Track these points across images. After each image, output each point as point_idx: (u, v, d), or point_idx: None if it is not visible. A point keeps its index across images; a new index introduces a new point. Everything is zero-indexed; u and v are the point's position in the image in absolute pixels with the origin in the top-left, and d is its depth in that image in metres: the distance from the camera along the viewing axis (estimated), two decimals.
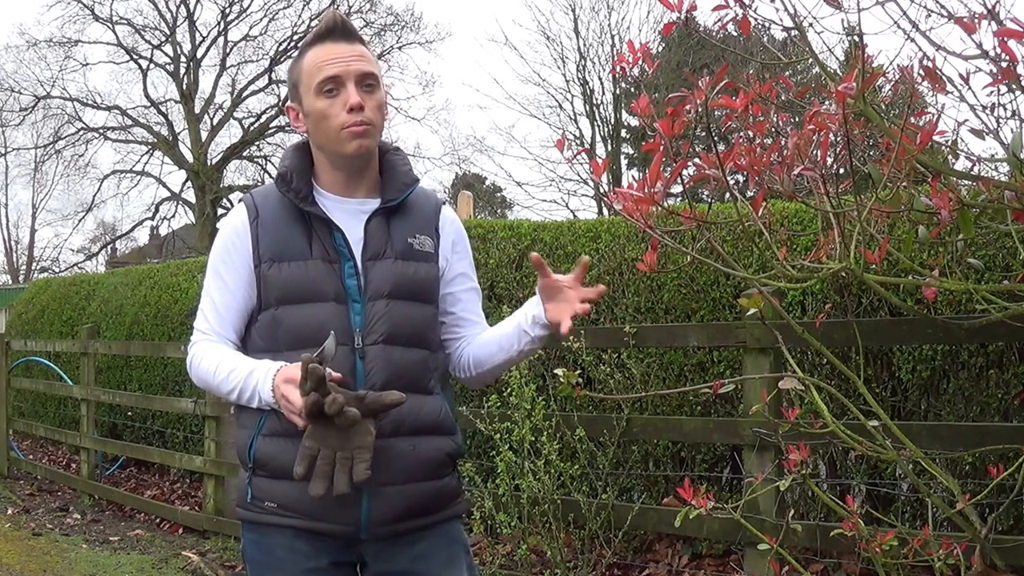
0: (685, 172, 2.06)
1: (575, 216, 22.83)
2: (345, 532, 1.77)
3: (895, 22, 2.00)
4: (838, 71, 2.40)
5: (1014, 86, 1.96)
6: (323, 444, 1.61)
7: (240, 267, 1.83)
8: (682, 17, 2.07)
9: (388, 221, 1.85)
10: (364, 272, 1.80)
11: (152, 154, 25.07)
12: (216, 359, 1.80)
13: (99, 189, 26.50)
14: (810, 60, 2.18)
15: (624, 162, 24.45)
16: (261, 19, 24.75)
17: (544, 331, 1.83)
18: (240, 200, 1.90)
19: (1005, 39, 1.81)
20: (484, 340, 1.93)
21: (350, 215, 1.84)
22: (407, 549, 1.82)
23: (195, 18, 24.63)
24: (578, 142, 23.83)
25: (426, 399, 1.83)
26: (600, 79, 24.04)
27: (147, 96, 24.59)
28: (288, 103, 1.89)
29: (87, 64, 24.49)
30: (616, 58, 2.32)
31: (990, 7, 1.87)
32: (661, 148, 1.98)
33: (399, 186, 1.88)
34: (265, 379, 1.72)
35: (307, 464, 1.61)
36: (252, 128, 24.75)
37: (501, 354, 1.89)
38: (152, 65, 24.69)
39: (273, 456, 1.76)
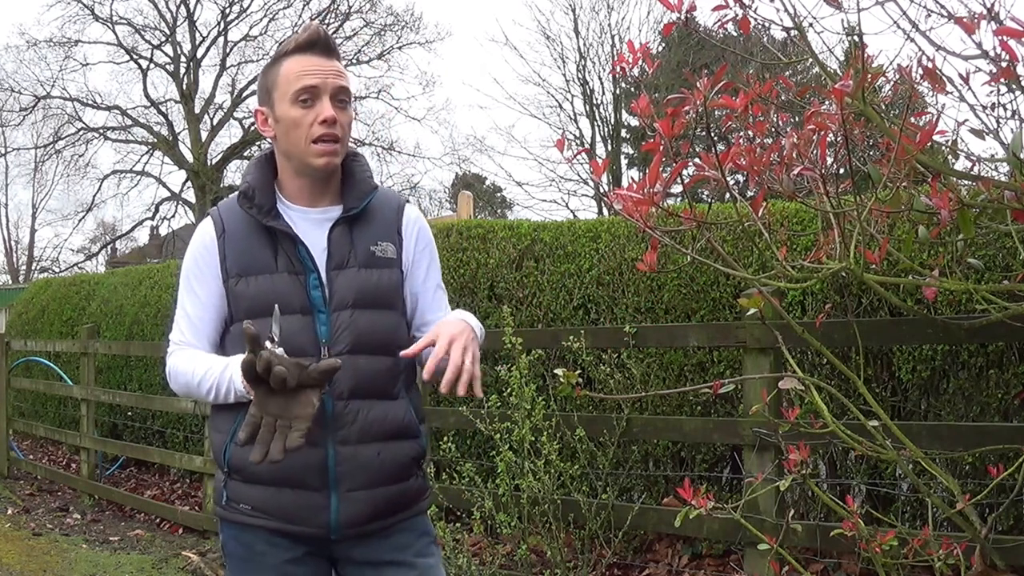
0: (685, 172, 2.06)
1: (575, 216, 22.84)
2: (316, 534, 1.82)
3: (895, 22, 2.00)
4: (838, 71, 2.40)
5: (1014, 86, 1.96)
6: (264, 411, 1.64)
7: (210, 280, 1.86)
8: (682, 17, 2.07)
9: (351, 229, 1.88)
10: (329, 283, 1.83)
11: (152, 154, 25.10)
12: (193, 364, 1.85)
13: (99, 189, 26.59)
14: (810, 60, 2.18)
15: (624, 162, 24.45)
16: (261, 19, 24.79)
17: None
18: (207, 214, 1.93)
19: (1005, 38, 1.81)
20: None
21: (314, 225, 1.87)
22: (382, 542, 1.88)
23: (195, 18, 24.65)
24: (578, 142, 23.84)
25: (391, 405, 1.87)
26: (600, 79, 24.06)
27: (147, 96, 24.61)
28: (258, 106, 1.89)
29: (87, 64, 24.52)
30: (616, 58, 2.32)
31: (990, 7, 1.87)
32: (661, 148, 1.98)
33: (359, 194, 1.90)
34: (236, 369, 1.76)
35: (249, 431, 1.64)
36: (252, 128, 24.72)
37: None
38: (152, 65, 24.72)
39: (246, 462, 1.79)
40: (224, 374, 1.78)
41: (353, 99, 1.90)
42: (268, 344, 1.65)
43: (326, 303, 1.82)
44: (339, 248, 1.85)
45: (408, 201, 2.02)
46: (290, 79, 1.80)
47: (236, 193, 1.91)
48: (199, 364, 1.83)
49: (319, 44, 1.82)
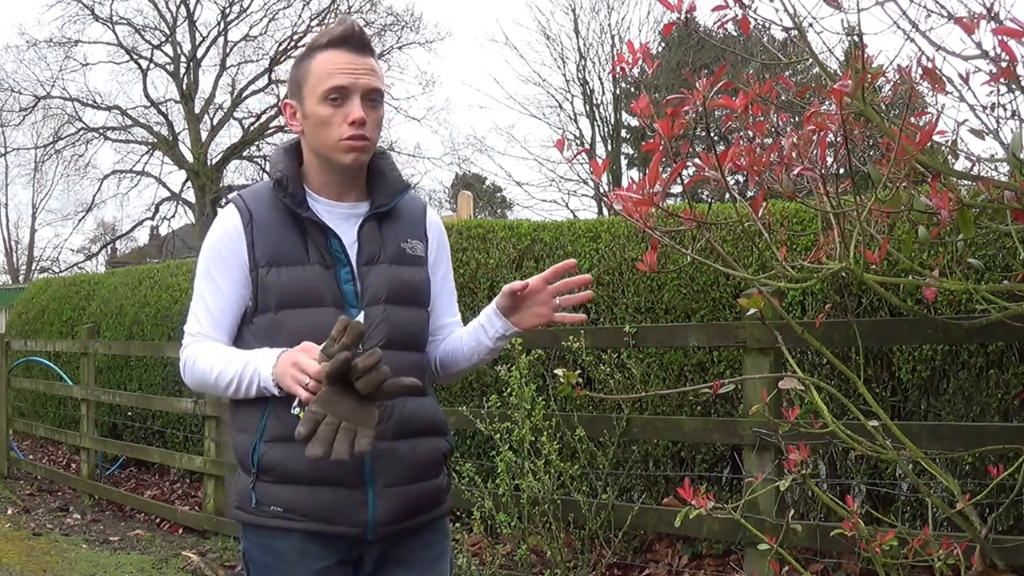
0: (685, 172, 2.06)
1: (575, 216, 22.84)
2: (352, 534, 1.78)
3: (895, 22, 2.00)
4: (838, 71, 2.40)
5: (1014, 86, 1.95)
6: (331, 411, 1.57)
7: (233, 269, 1.81)
8: (682, 17, 2.07)
9: (380, 226, 1.87)
10: (360, 277, 1.81)
11: (152, 154, 25.13)
12: (212, 356, 1.79)
13: (99, 189, 26.74)
14: (810, 60, 2.18)
15: (624, 162, 24.45)
16: (261, 19, 24.83)
17: (505, 341, 1.91)
18: (228, 202, 1.88)
19: (1004, 38, 1.81)
20: (448, 345, 1.98)
21: (341, 219, 1.84)
22: (407, 544, 1.86)
23: (195, 18, 24.68)
24: (578, 142, 23.85)
25: (423, 401, 1.87)
26: (600, 79, 24.07)
27: (147, 96, 24.63)
28: (286, 99, 1.86)
29: (87, 64, 24.56)
30: (616, 58, 2.32)
31: (990, 7, 1.87)
32: (661, 148, 1.98)
33: (390, 191, 1.89)
34: (265, 360, 1.70)
35: (311, 427, 1.56)
36: (252, 128, 24.76)
37: (463, 361, 1.96)
38: (152, 65, 24.74)
39: (280, 462, 1.76)
40: (247, 366, 1.72)
41: (385, 97, 1.88)
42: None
43: (358, 297, 1.80)
44: (369, 243, 1.83)
45: (428, 205, 2.02)
46: (321, 76, 1.77)
47: (263, 182, 1.89)
48: (219, 357, 1.78)
49: (354, 40, 1.79)
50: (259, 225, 1.81)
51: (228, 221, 1.84)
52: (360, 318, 1.65)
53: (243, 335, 1.84)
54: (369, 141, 1.80)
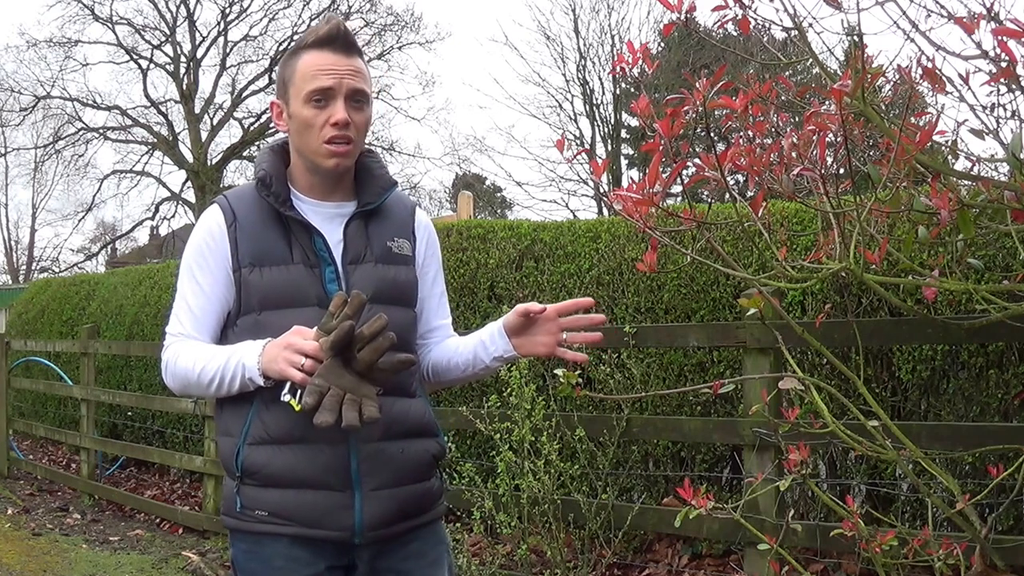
0: (685, 172, 2.06)
1: (575, 216, 22.84)
2: (339, 538, 1.75)
3: (895, 22, 2.00)
4: (838, 71, 2.41)
5: (1013, 86, 1.96)
6: (334, 383, 1.59)
7: (216, 270, 1.79)
8: (682, 17, 2.07)
9: (366, 224, 1.85)
10: (345, 276, 1.79)
11: (152, 154, 25.12)
12: (194, 354, 1.77)
13: (99, 189, 26.66)
14: (810, 60, 2.18)
15: (624, 162, 24.45)
16: (261, 19, 24.80)
17: (502, 363, 1.90)
18: (213, 202, 1.87)
19: (1004, 39, 1.81)
20: (444, 353, 1.95)
21: (327, 219, 1.83)
22: (399, 550, 1.83)
23: (195, 18, 24.66)
24: (578, 142, 23.83)
25: (411, 402, 1.84)
26: (600, 79, 24.05)
27: (147, 96, 24.62)
28: (274, 98, 1.85)
29: (87, 64, 24.53)
30: (616, 58, 2.32)
31: (989, 7, 1.87)
32: (660, 148, 1.98)
33: (377, 189, 1.87)
34: (250, 350, 1.70)
35: (316, 397, 1.57)
36: (252, 128, 24.75)
37: (457, 371, 1.94)
38: (152, 65, 24.73)
39: (263, 464, 1.74)
40: (230, 360, 1.71)
41: (372, 97, 1.85)
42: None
43: None
44: (355, 242, 1.82)
45: (418, 205, 2.00)
46: (305, 77, 1.76)
47: (249, 182, 1.87)
48: (201, 354, 1.76)
49: (339, 40, 1.77)
50: (242, 225, 1.79)
51: (211, 221, 1.82)
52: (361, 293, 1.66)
53: (227, 337, 1.81)
54: (352, 145, 1.78)
